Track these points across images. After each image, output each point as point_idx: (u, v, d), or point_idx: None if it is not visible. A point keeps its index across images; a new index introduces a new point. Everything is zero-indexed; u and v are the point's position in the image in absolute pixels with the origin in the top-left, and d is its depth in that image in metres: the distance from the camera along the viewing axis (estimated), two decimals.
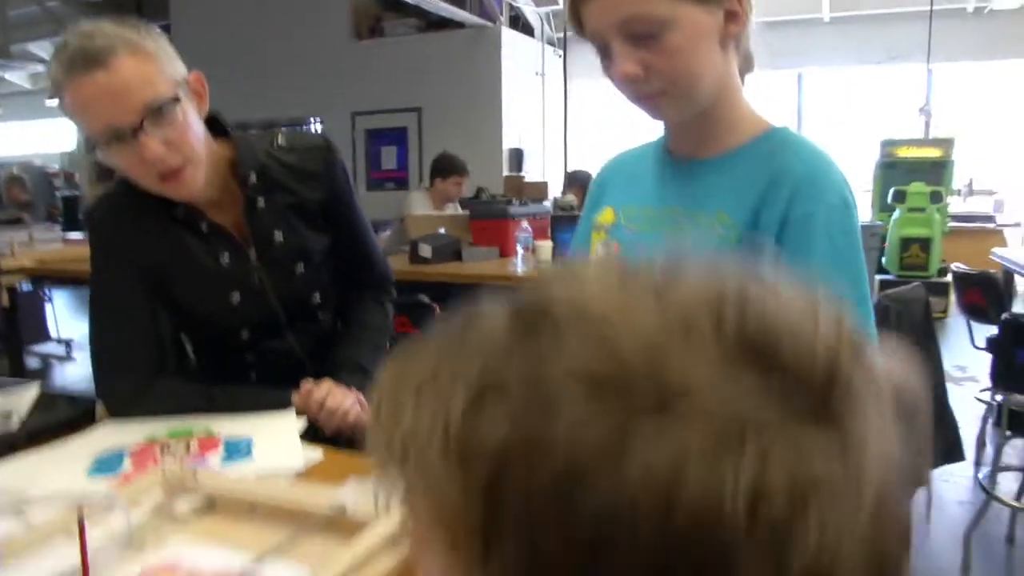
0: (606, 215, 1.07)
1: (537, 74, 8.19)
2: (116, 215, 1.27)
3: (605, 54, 0.91)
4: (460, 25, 7.25)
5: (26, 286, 4.22)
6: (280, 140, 1.33)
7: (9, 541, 0.75)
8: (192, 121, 1.16)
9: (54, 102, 1.13)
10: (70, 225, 6.13)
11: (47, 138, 11.17)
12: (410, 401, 0.29)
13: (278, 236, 1.30)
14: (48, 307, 5.61)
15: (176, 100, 1.13)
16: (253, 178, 1.27)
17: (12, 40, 8.75)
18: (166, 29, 8.55)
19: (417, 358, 0.31)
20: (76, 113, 1.11)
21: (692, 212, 0.95)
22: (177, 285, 1.28)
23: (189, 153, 1.15)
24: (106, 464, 1.02)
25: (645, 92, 0.91)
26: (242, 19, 7.99)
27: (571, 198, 4.14)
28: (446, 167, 4.58)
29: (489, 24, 7.42)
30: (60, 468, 1.01)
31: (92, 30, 1.08)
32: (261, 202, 1.28)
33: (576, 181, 5.14)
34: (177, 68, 1.15)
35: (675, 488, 0.24)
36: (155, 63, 1.11)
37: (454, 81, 7.45)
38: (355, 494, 0.82)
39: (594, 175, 1.18)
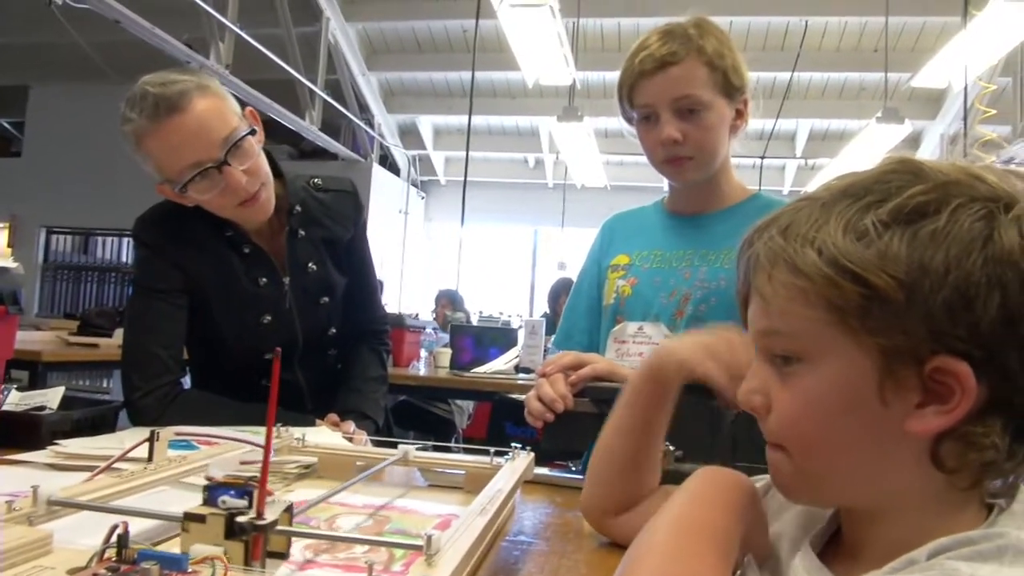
0: (621, 259, 1.33)
1: (400, 212, 8.59)
2: (167, 221, 1.33)
3: (648, 121, 1.20)
4: (333, 156, 7.54)
5: None
6: (316, 180, 1.47)
7: None
8: (259, 149, 1.29)
9: None
10: None
11: None
12: None
13: (311, 266, 1.42)
14: None
15: (251, 133, 1.26)
16: (298, 209, 1.40)
17: None
18: (18, 127, 8.21)
19: None
20: (161, 156, 1.20)
21: (703, 252, 1.23)
22: (214, 299, 1.35)
23: (263, 178, 1.28)
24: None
25: (676, 154, 1.20)
26: (102, 131, 7.77)
27: (460, 314, 4.39)
28: None
29: (360, 159, 7.78)
30: None
31: (163, 79, 1.18)
32: (301, 232, 1.41)
33: (442, 297, 5.74)
34: (235, 104, 1.27)
35: None
36: (223, 100, 1.24)
37: None
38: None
39: (599, 230, 1.44)
